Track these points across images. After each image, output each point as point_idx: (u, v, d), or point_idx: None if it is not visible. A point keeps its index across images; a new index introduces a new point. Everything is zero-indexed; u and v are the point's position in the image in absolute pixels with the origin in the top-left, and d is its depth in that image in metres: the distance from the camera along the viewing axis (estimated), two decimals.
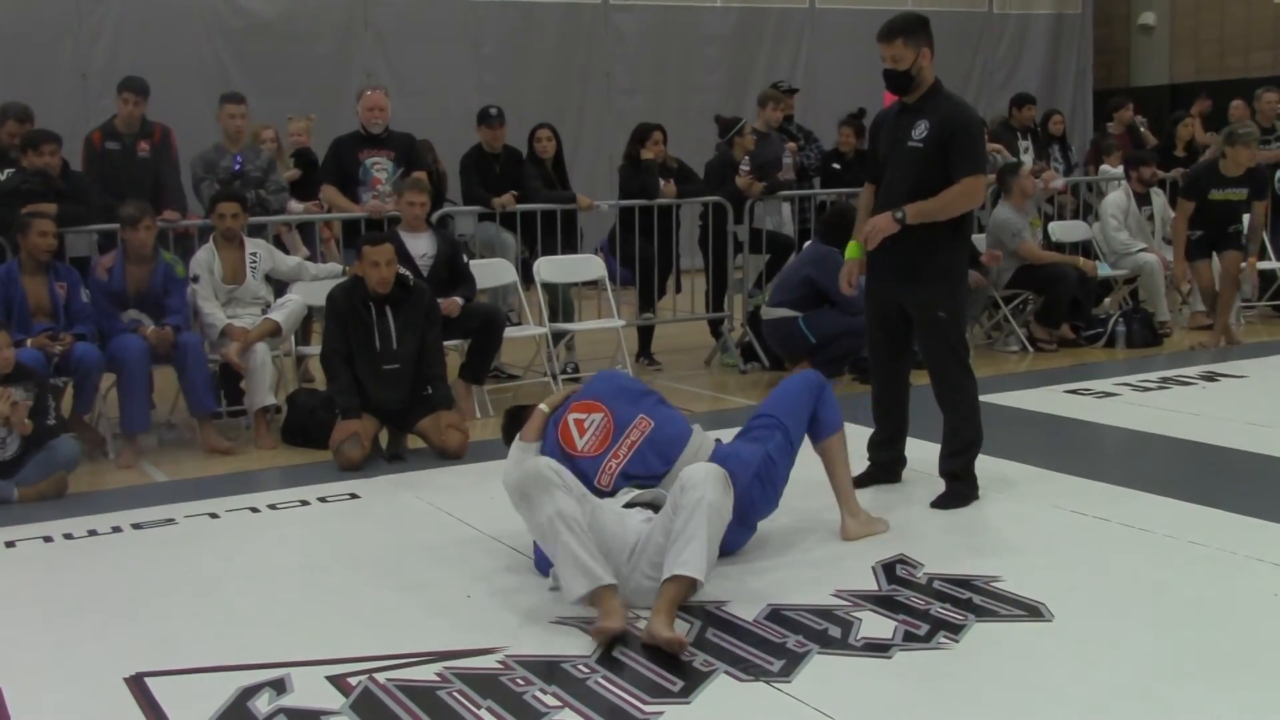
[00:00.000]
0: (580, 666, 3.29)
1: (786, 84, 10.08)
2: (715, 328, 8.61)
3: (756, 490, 4.02)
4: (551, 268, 7.65)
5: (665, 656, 3.34)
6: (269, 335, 6.25)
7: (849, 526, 4.35)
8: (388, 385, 5.78)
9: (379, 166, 7.31)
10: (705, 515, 3.52)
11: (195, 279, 6.35)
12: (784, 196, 8.70)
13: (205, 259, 6.40)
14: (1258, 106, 10.41)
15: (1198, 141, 10.89)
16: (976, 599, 3.72)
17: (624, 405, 4.11)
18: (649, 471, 4.02)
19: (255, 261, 6.51)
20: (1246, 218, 8.52)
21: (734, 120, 8.59)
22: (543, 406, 4.17)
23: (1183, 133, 10.67)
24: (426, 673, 3.30)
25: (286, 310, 6.38)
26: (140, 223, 6.03)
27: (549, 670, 3.28)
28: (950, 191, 4.57)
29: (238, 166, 7.16)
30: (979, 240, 8.51)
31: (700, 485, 3.57)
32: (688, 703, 3.08)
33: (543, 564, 3.96)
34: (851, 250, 4.95)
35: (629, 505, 3.85)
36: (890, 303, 4.82)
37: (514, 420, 4.30)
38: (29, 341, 5.66)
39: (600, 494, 3.95)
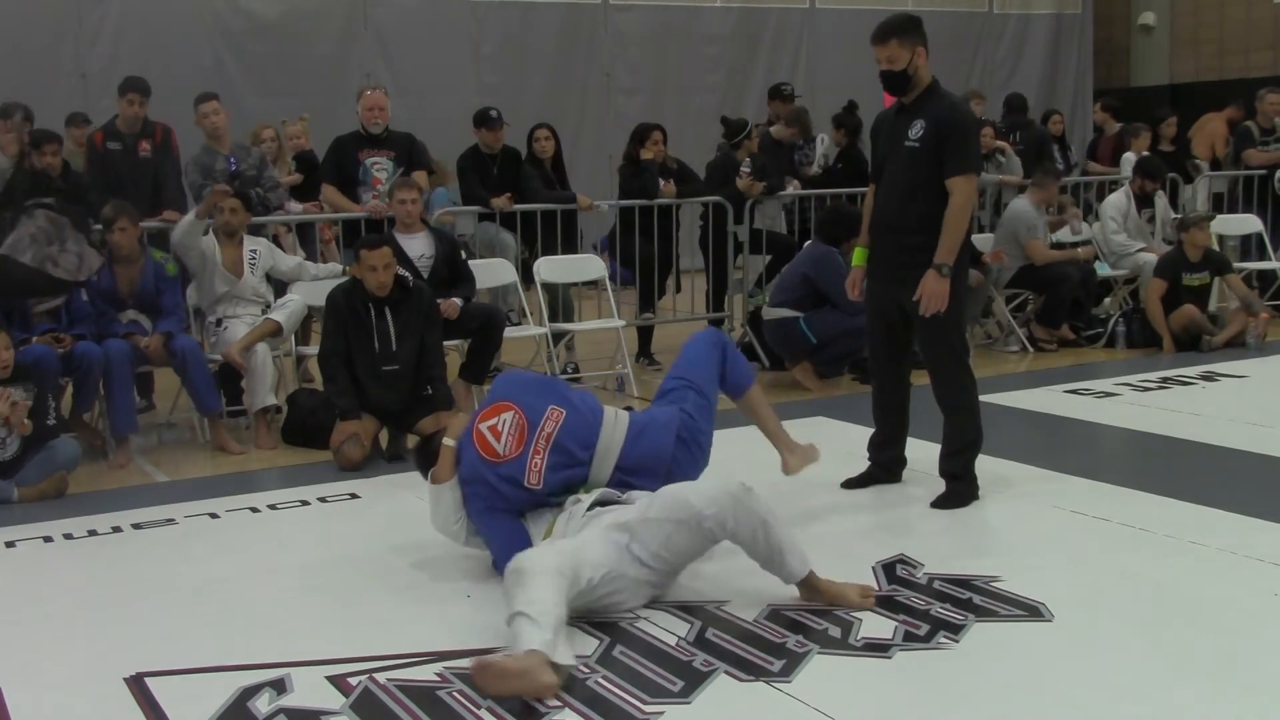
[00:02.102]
0: (580, 666, 3.28)
1: (790, 88, 9.98)
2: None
3: (681, 451, 4.03)
4: (551, 268, 7.65)
5: (665, 656, 3.34)
6: (270, 335, 6.25)
7: (789, 462, 4.48)
8: (387, 386, 5.77)
9: (379, 166, 7.29)
10: (775, 524, 3.55)
11: (194, 273, 6.36)
12: (783, 197, 8.68)
13: (203, 245, 6.42)
14: (1260, 107, 10.41)
15: (1215, 145, 10.97)
16: (976, 599, 3.71)
17: (532, 398, 3.99)
18: (573, 460, 3.92)
19: (254, 259, 6.50)
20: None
21: (741, 123, 8.61)
22: (448, 441, 3.98)
23: (1165, 131, 10.67)
24: (426, 673, 3.30)
25: (287, 310, 6.37)
26: (115, 224, 6.02)
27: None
28: (950, 212, 4.55)
29: (233, 167, 7.16)
30: (985, 239, 8.53)
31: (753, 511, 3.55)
32: (688, 703, 3.08)
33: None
34: (857, 257, 4.95)
35: (591, 509, 3.78)
36: (890, 303, 4.82)
37: (425, 455, 4.15)
38: (34, 339, 5.67)
39: (533, 494, 3.89)
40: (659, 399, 4.26)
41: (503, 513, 3.93)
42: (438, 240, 6.80)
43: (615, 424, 4.03)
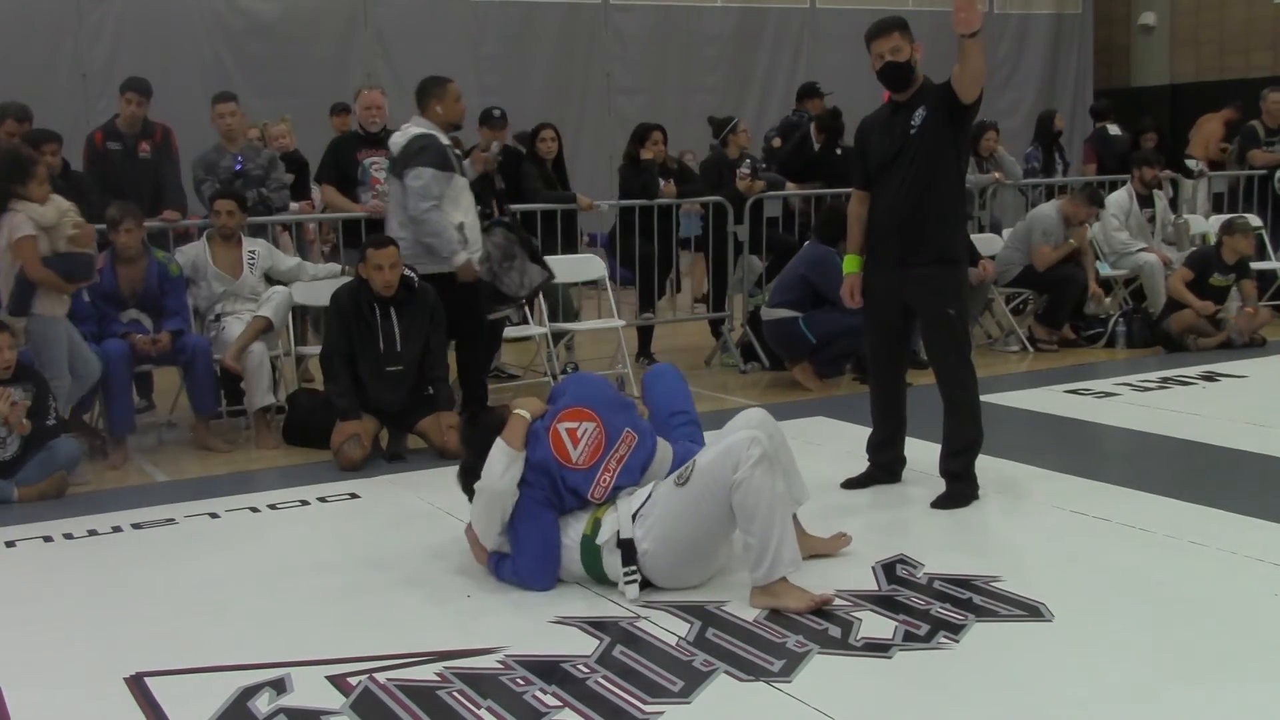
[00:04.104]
0: (580, 666, 3.29)
1: (820, 86, 9.89)
2: (715, 328, 8.61)
3: None
4: (551, 268, 7.62)
5: (665, 656, 3.35)
6: (262, 332, 6.24)
7: None
8: (389, 386, 5.77)
9: (377, 166, 7.27)
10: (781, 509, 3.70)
11: (190, 281, 6.37)
12: (783, 194, 8.67)
13: (192, 253, 6.41)
14: (1264, 107, 10.40)
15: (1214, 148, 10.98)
16: (976, 599, 3.72)
17: (614, 416, 4.02)
18: (632, 482, 3.97)
19: (254, 259, 6.50)
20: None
21: (726, 120, 8.65)
22: (523, 413, 3.95)
23: (1144, 143, 10.64)
24: (426, 673, 3.30)
25: (274, 303, 6.36)
26: (121, 225, 6.01)
27: (549, 670, 3.28)
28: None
29: (239, 166, 7.15)
30: (984, 239, 8.53)
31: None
32: (688, 703, 3.08)
33: (533, 576, 3.90)
34: (849, 264, 4.95)
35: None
36: (890, 299, 4.81)
37: (480, 427, 4.09)
38: None
39: (587, 504, 3.91)
40: (670, 428, 4.20)
41: (553, 512, 3.89)
42: None
43: (664, 453, 4.06)
